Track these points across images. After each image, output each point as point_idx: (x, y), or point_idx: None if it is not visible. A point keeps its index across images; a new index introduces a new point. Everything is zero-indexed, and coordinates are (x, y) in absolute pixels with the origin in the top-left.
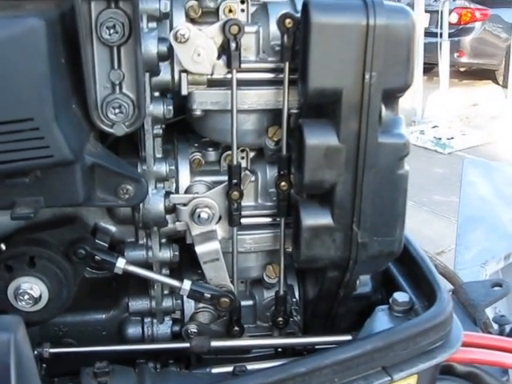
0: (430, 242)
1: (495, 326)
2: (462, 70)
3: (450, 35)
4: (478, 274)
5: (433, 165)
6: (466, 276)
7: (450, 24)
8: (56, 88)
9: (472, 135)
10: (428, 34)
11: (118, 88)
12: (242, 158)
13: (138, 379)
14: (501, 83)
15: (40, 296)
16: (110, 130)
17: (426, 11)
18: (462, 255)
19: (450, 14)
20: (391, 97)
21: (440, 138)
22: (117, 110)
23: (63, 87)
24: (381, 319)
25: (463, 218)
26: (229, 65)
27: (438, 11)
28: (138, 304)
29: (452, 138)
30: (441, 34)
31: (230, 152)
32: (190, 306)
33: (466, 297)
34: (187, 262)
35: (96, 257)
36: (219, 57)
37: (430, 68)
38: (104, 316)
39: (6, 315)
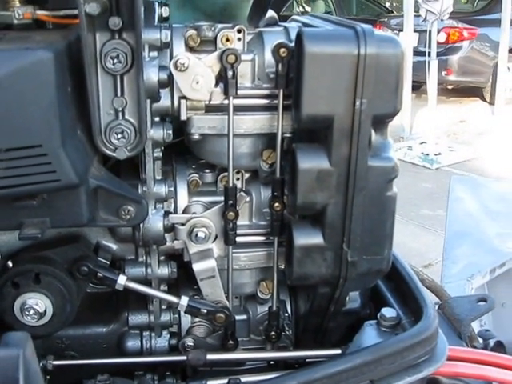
0: (417, 255)
1: (480, 340)
2: (449, 87)
3: (438, 54)
4: (464, 288)
5: (420, 180)
6: (453, 289)
7: (438, 43)
8: (63, 116)
9: (459, 151)
10: (416, 53)
11: (120, 114)
12: (238, 179)
13: None
14: (488, 100)
15: (45, 311)
16: (113, 154)
17: (415, 31)
18: (448, 269)
19: (438, 33)
20: (381, 122)
21: (428, 154)
22: (119, 135)
23: (69, 114)
24: (369, 334)
25: (450, 233)
26: (226, 92)
27: (426, 31)
28: (137, 318)
29: (439, 154)
30: (429, 53)
31: (225, 173)
32: (186, 320)
33: (452, 311)
34: (184, 278)
35: (98, 274)
36: (217, 84)
37: (418, 86)
38: (104, 329)
39: (16, 332)
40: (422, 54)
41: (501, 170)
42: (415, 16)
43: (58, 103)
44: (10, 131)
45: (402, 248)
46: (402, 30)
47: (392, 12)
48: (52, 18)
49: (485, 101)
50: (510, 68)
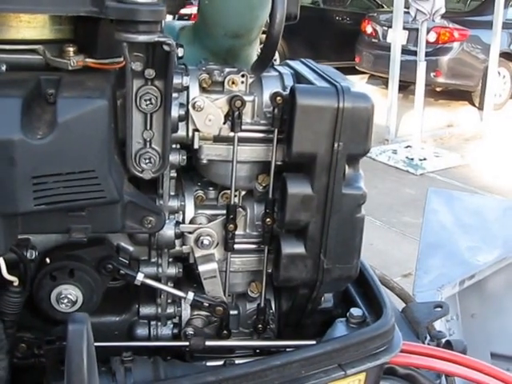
0: (397, 264)
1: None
2: (438, 89)
3: (428, 54)
4: (434, 297)
5: (404, 185)
6: (424, 298)
7: (427, 43)
8: (110, 146)
9: (445, 157)
10: (405, 51)
11: (148, 144)
12: (235, 195)
13: (154, 366)
14: (477, 105)
15: (76, 300)
16: (140, 175)
17: (405, 28)
18: (420, 279)
19: (428, 32)
20: (353, 159)
21: (412, 159)
22: (147, 161)
23: (112, 144)
24: (339, 329)
25: (424, 244)
26: (232, 129)
27: (416, 29)
28: (146, 310)
29: (424, 159)
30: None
31: (226, 191)
32: (186, 312)
33: (412, 315)
34: (184, 277)
35: (121, 271)
36: (225, 122)
37: (406, 86)
38: (117, 319)
39: (79, 312)
40: (411, 52)
41: (487, 179)
42: (405, 13)
43: (107, 138)
44: (71, 159)
45: (384, 256)
46: (390, 27)
47: (382, 7)
48: (99, 64)
49: (474, 105)
50: (500, 73)
